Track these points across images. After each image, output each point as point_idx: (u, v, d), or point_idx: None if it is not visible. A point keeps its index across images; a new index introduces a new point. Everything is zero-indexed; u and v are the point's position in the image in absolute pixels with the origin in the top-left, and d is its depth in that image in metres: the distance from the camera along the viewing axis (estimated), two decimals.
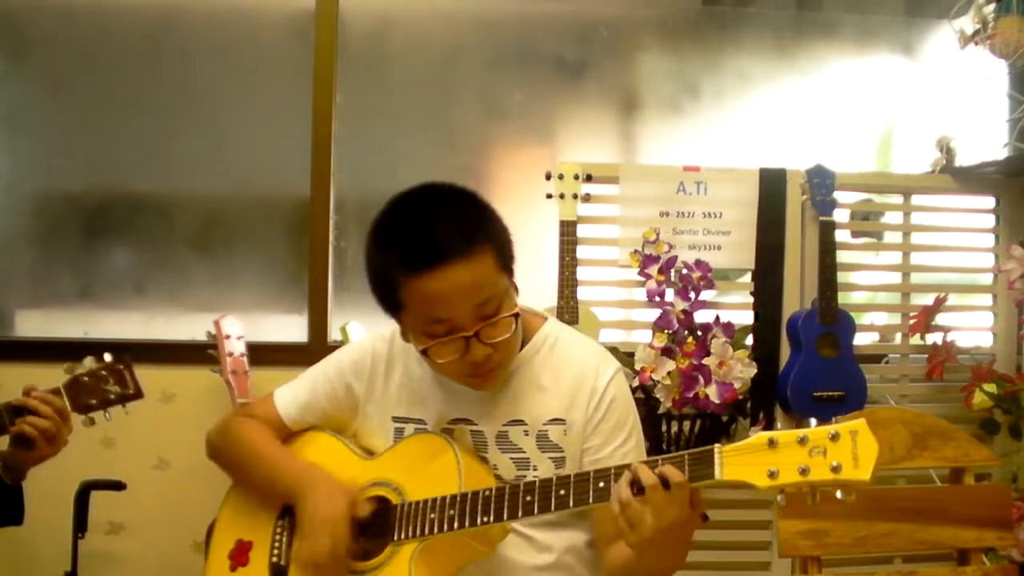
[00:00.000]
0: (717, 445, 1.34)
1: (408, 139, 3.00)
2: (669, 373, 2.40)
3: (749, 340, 2.62)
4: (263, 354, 2.62)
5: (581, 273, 2.57)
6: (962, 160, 2.76)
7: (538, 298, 2.50)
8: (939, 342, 2.69)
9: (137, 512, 2.72)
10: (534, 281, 2.40)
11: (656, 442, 2.48)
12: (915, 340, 2.72)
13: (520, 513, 1.50)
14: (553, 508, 1.47)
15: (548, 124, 3.08)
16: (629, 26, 3.08)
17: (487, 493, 1.52)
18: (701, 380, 2.41)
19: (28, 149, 2.95)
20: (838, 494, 1.28)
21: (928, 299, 2.71)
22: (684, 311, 2.46)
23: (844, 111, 3.09)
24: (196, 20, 2.95)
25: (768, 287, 2.66)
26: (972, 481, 1.95)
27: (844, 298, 2.70)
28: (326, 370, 1.78)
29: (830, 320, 2.57)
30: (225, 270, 2.98)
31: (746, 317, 2.65)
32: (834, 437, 1.27)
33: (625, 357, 2.47)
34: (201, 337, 2.59)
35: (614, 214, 2.66)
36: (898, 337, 2.79)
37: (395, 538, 1.57)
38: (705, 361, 2.42)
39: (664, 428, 2.49)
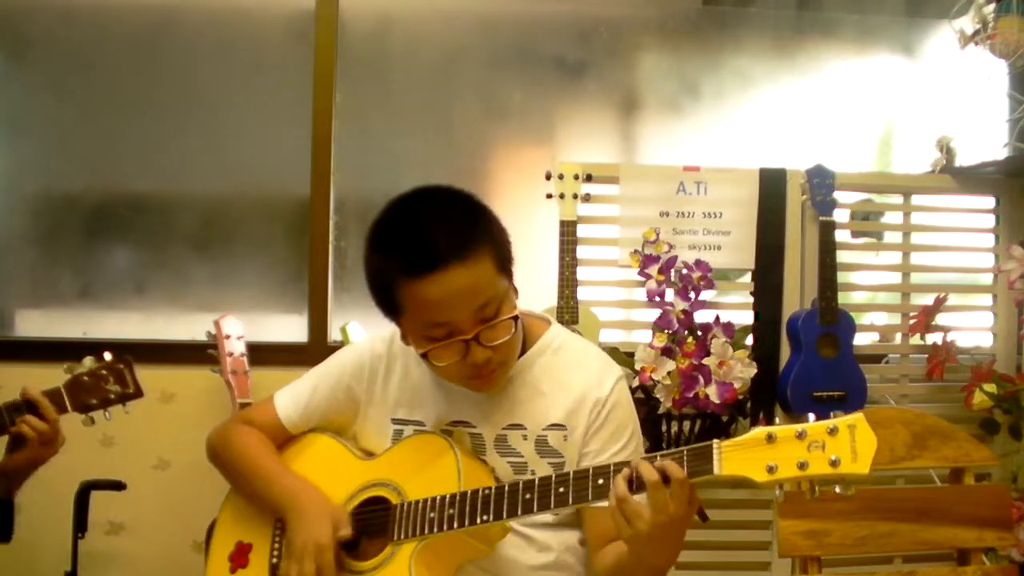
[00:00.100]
0: (716, 440, 1.34)
1: (408, 139, 3.00)
2: (669, 373, 2.40)
3: (749, 340, 2.62)
4: (263, 354, 2.62)
5: (581, 273, 2.57)
6: (962, 160, 2.76)
7: (538, 298, 2.51)
8: (939, 342, 2.69)
9: (137, 512, 2.72)
10: (534, 281, 2.39)
11: (656, 442, 2.48)
12: (915, 340, 2.72)
13: (519, 511, 1.49)
14: (552, 506, 1.47)
15: (548, 124, 3.08)
16: (629, 26, 3.08)
17: (486, 492, 1.52)
18: (701, 380, 2.41)
19: (28, 149, 2.95)
20: (837, 488, 1.28)
21: (928, 299, 2.71)
22: (684, 311, 2.46)
23: (844, 111, 3.09)
24: (196, 20, 2.95)
25: (768, 287, 2.66)
26: (972, 481, 1.95)
27: (844, 298, 2.70)
28: (326, 373, 1.78)
29: (830, 320, 2.57)
30: (225, 270, 2.98)
31: (746, 317, 2.65)
32: (832, 431, 1.27)
33: (625, 357, 2.48)
34: (201, 337, 2.59)
35: (614, 214, 2.66)
36: (898, 337, 2.79)
37: (395, 538, 1.57)
38: (705, 361, 2.42)
39: (664, 428, 2.49)
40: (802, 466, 1.27)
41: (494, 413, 1.65)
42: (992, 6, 2.62)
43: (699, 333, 2.45)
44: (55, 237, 2.93)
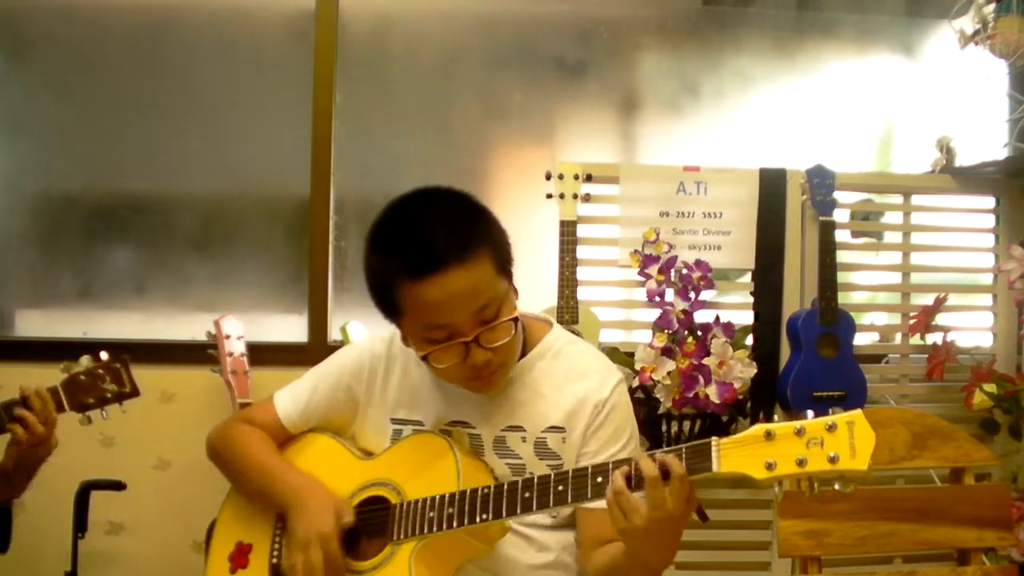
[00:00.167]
0: (714, 438, 1.34)
1: (408, 139, 3.00)
2: (669, 373, 2.40)
3: (749, 340, 2.62)
4: (263, 354, 2.62)
5: (581, 273, 2.57)
6: (962, 160, 2.75)
7: (538, 298, 2.51)
8: (939, 342, 2.69)
9: (137, 512, 2.72)
10: (534, 281, 2.39)
11: (656, 442, 2.48)
12: (915, 340, 2.72)
13: (519, 510, 1.49)
14: (551, 504, 1.47)
15: (548, 124, 3.08)
16: (629, 26, 3.08)
17: (485, 491, 1.52)
18: (701, 380, 2.41)
19: (28, 149, 2.95)
20: (836, 485, 1.28)
21: (928, 299, 2.71)
22: (684, 311, 2.46)
23: (844, 111, 3.09)
24: (196, 20, 2.95)
25: (768, 287, 2.66)
26: (972, 481, 1.95)
27: (844, 298, 2.70)
28: (326, 373, 1.78)
29: (830, 320, 2.56)
30: (225, 270, 2.98)
31: (746, 317, 2.65)
32: (831, 428, 1.27)
33: (625, 357, 2.48)
34: (201, 337, 2.59)
35: (614, 214, 2.66)
36: (898, 337, 2.79)
37: (394, 537, 1.57)
38: (705, 361, 2.42)
39: (664, 428, 2.49)
40: (801, 463, 1.27)
41: (493, 414, 1.65)
42: (992, 6, 2.62)
43: (699, 333, 2.45)
44: (55, 237, 2.93)
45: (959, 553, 1.93)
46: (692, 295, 2.50)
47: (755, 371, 2.47)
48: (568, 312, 2.52)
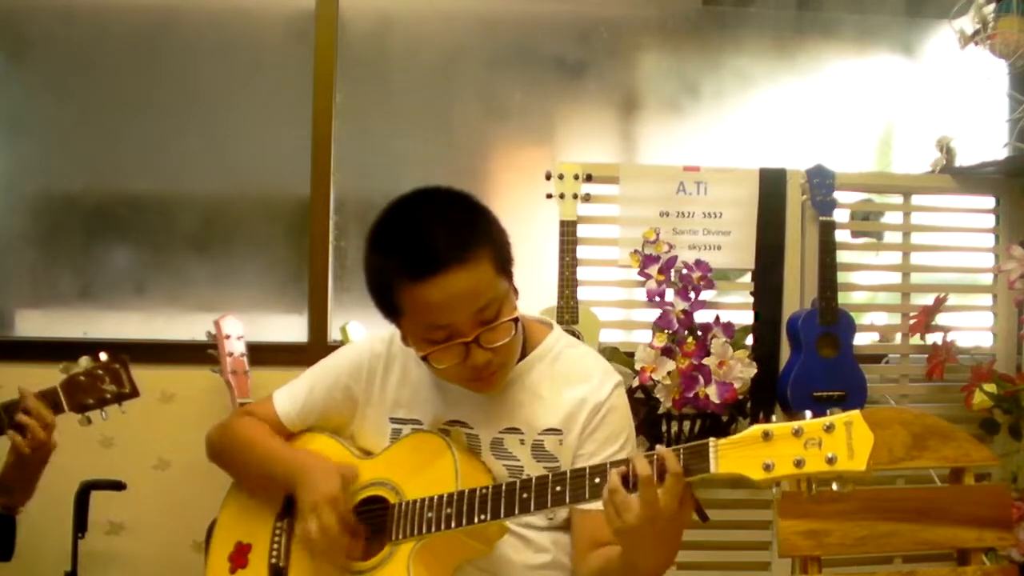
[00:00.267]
0: (712, 439, 1.34)
1: (408, 139, 3.00)
2: (669, 373, 2.40)
3: (749, 340, 2.62)
4: (263, 354, 2.62)
5: (581, 273, 2.57)
6: (962, 160, 2.76)
7: (538, 298, 2.51)
8: (939, 342, 2.69)
9: (137, 512, 2.72)
10: (534, 281, 2.39)
11: (656, 442, 2.48)
12: (915, 340, 2.72)
13: (517, 511, 1.49)
14: (550, 504, 1.47)
15: (548, 124, 3.07)
16: (629, 26, 3.08)
17: (484, 491, 1.52)
18: (701, 380, 2.41)
19: (28, 149, 2.95)
20: (834, 486, 1.28)
21: (928, 299, 2.71)
22: (684, 311, 2.46)
23: (844, 111, 3.09)
24: (196, 20, 2.95)
25: (768, 287, 2.66)
26: (972, 481, 1.95)
27: (844, 298, 2.70)
28: (324, 372, 1.78)
29: (830, 320, 2.56)
30: (225, 270, 2.98)
31: (746, 317, 2.65)
32: (829, 428, 1.27)
33: (625, 357, 2.48)
34: (201, 337, 2.59)
35: (614, 214, 2.66)
36: (898, 337, 2.79)
37: (393, 537, 1.57)
38: (705, 361, 2.42)
39: (664, 428, 2.49)
40: (798, 464, 1.27)
41: (492, 416, 1.65)
42: (992, 6, 2.62)
43: (699, 333, 2.45)
44: (55, 237, 2.93)
45: (959, 553, 1.93)
46: (692, 295, 2.50)
47: (755, 371, 2.47)
48: (568, 312, 2.52)
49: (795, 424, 1.29)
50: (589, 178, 2.61)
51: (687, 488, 1.35)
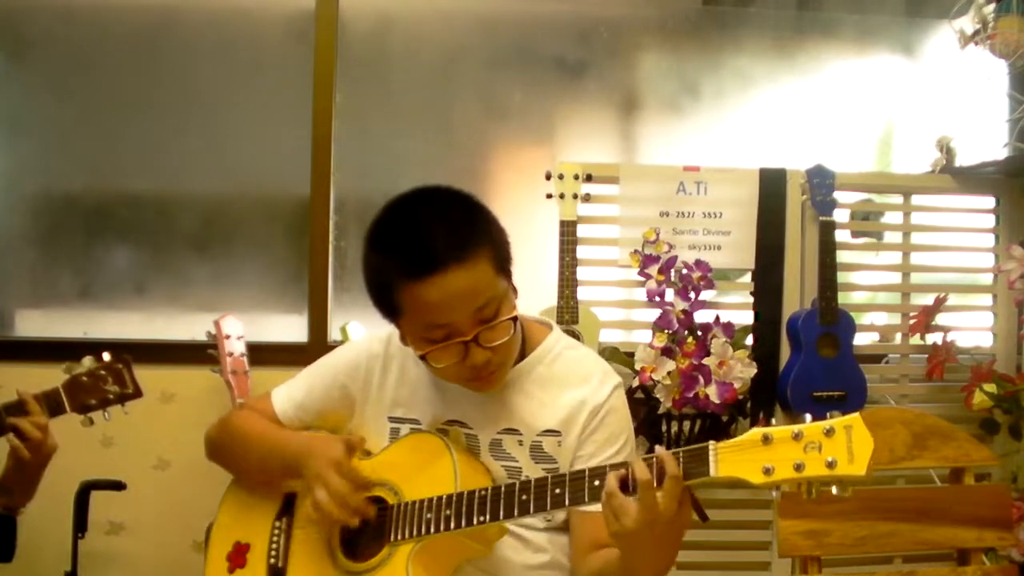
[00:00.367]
0: (712, 442, 1.33)
1: (408, 139, 3.00)
2: (669, 373, 2.40)
3: (749, 340, 2.62)
4: (263, 354, 2.62)
5: (581, 273, 2.57)
6: (962, 160, 2.76)
7: (538, 298, 2.51)
8: (939, 342, 2.69)
9: (137, 512, 2.72)
10: (534, 281, 2.39)
11: (656, 442, 2.48)
12: (915, 340, 2.72)
13: (516, 512, 1.49)
14: (549, 507, 1.47)
15: (548, 124, 3.07)
16: (629, 26, 3.08)
17: (483, 493, 1.52)
18: (701, 380, 2.41)
19: (28, 149, 2.95)
20: (834, 490, 1.28)
21: (928, 299, 2.71)
22: (684, 311, 2.46)
23: (844, 111, 3.09)
24: (196, 20, 2.95)
25: (768, 287, 2.66)
26: (972, 481, 1.95)
27: (844, 298, 2.70)
28: (322, 371, 1.79)
29: (830, 320, 2.57)
30: (225, 270, 2.98)
31: (746, 317, 2.65)
32: (829, 432, 1.26)
33: (625, 357, 2.48)
34: (201, 337, 2.59)
35: (614, 214, 2.66)
36: (898, 337, 2.79)
37: (392, 539, 1.57)
38: (705, 361, 2.42)
39: (664, 428, 2.49)
40: (798, 468, 1.26)
41: (491, 417, 1.65)
42: (992, 6, 2.62)
43: (699, 333, 2.45)
44: (55, 237, 2.93)
45: (959, 553, 1.93)
46: (692, 295, 2.50)
47: (755, 371, 2.47)
48: (568, 312, 2.52)
49: (795, 428, 1.28)
50: (589, 178, 2.61)
51: (686, 491, 1.35)
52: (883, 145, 3.15)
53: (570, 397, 1.65)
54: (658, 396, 2.43)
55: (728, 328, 2.47)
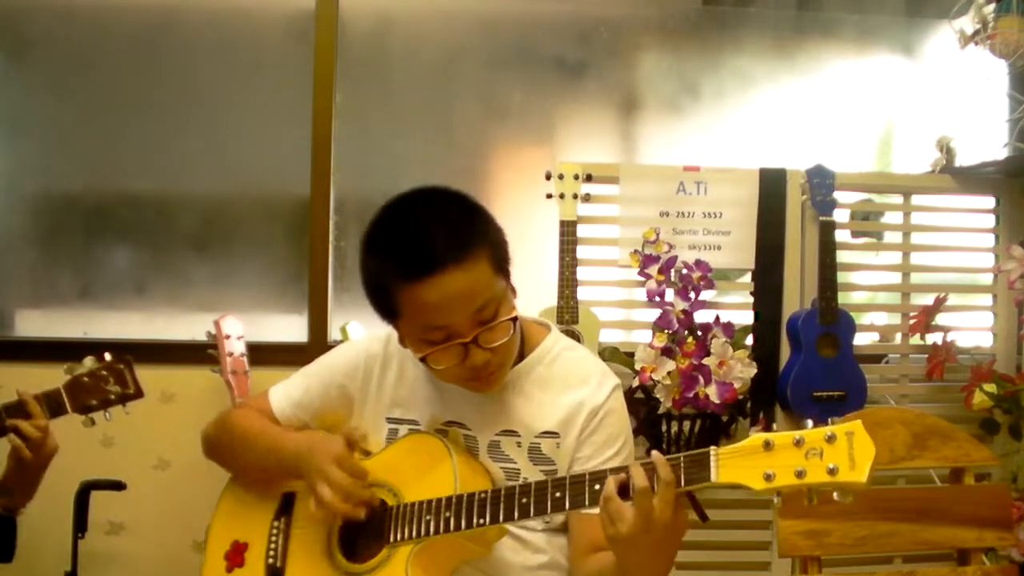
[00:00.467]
0: (713, 447, 1.33)
1: (408, 139, 3.00)
2: (669, 373, 2.40)
3: (749, 340, 2.62)
4: (263, 354, 2.62)
5: (581, 273, 2.57)
6: (962, 160, 2.76)
7: (538, 298, 2.52)
8: (939, 342, 2.69)
9: (137, 512, 2.72)
10: (534, 281, 2.39)
11: (656, 442, 2.48)
12: (915, 340, 2.72)
13: (516, 515, 1.49)
14: (549, 510, 1.46)
15: (548, 124, 3.07)
16: (629, 26, 3.08)
17: (482, 495, 1.52)
18: (701, 380, 2.41)
19: (28, 149, 2.95)
20: (835, 496, 1.28)
21: (928, 299, 2.71)
22: (684, 311, 2.46)
23: (844, 111, 3.09)
24: (196, 20, 2.95)
25: (768, 287, 2.66)
26: (972, 481, 1.95)
27: (844, 298, 2.70)
28: (320, 370, 1.79)
29: (830, 320, 2.57)
30: (225, 270, 2.98)
31: (746, 317, 2.65)
32: (830, 439, 1.26)
33: (625, 357, 2.48)
34: (201, 337, 2.59)
35: (614, 214, 2.66)
36: (898, 337, 2.79)
37: (391, 540, 1.57)
38: (705, 361, 2.42)
39: (664, 428, 2.49)
40: (800, 474, 1.26)
41: (489, 418, 1.65)
42: (992, 6, 2.62)
43: (699, 333, 2.45)
44: (55, 237, 2.93)
45: (959, 553, 1.93)
46: (692, 295, 2.50)
47: (755, 371, 2.47)
48: (568, 312, 2.52)
49: (796, 434, 1.28)
50: (589, 178, 2.61)
51: (681, 498, 1.35)
52: (883, 145, 3.15)
53: (568, 398, 1.64)
54: (658, 396, 2.43)
55: (728, 328, 2.47)
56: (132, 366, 2.02)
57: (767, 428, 2.58)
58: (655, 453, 1.36)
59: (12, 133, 2.95)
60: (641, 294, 2.56)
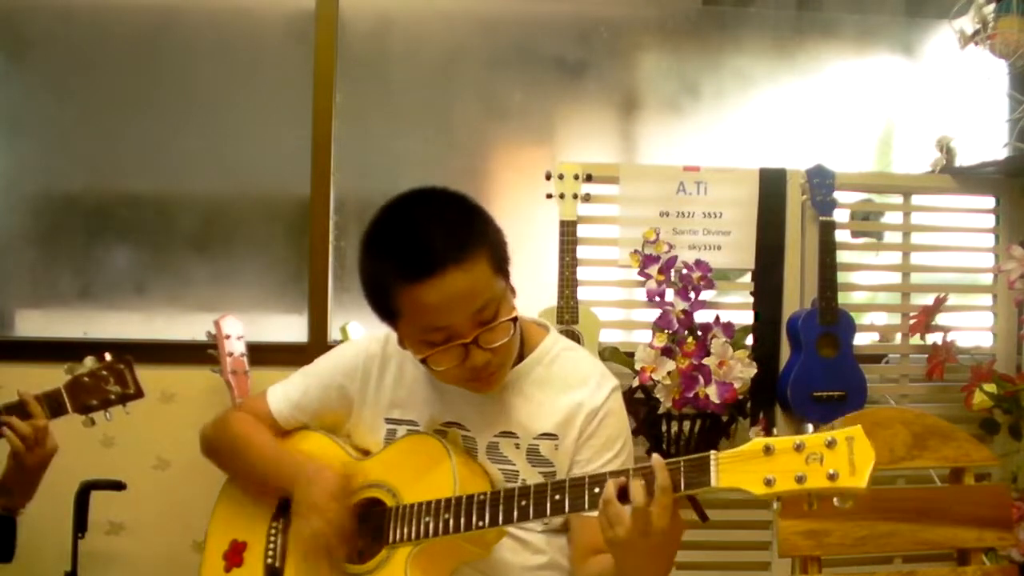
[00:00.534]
0: (713, 452, 1.33)
1: (408, 139, 3.00)
2: (669, 373, 2.40)
3: (749, 340, 2.62)
4: (263, 354, 2.62)
5: (581, 273, 2.57)
6: (962, 160, 2.75)
7: (538, 298, 2.51)
8: (939, 342, 2.69)
9: (137, 512, 2.72)
10: (534, 281, 2.39)
11: (656, 442, 2.48)
12: (915, 340, 2.72)
13: (516, 518, 1.48)
14: (549, 513, 1.46)
15: (548, 124, 3.07)
16: (629, 26, 3.08)
17: (482, 497, 1.51)
18: (701, 380, 2.41)
19: (28, 149, 2.95)
20: (835, 501, 1.28)
21: (928, 299, 2.71)
22: (684, 311, 2.46)
23: (844, 111, 3.09)
24: (196, 20, 2.95)
25: (768, 287, 2.66)
26: (972, 481, 1.95)
27: (844, 298, 2.70)
28: (318, 370, 1.78)
29: (830, 320, 2.57)
30: (225, 270, 2.97)
31: (746, 317, 2.65)
32: (830, 444, 1.26)
33: (625, 357, 2.48)
34: (201, 337, 2.59)
35: (614, 214, 2.66)
36: (898, 337, 2.79)
37: (390, 541, 1.57)
38: (705, 361, 2.42)
39: (664, 428, 2.49)
40: (800, 480, 1.26)
41: (488, 419, 1.65)
42: (992, 6, 2.62)
43: (699, 333, 2.45)
44: (55, 237, 2.93)
45: (959, 553, 1.93)
46: (692, 295, 2.50)
47: (755, 371, 2.47)
48: (568, 312, 2.52)
49: (797, 439, 1.28)
50: (589, 178, 2.61)
51: (678, 502, 1.35)
52: (883, 145, 3.15)
53: (567, 400, 1.64)
54: (658, 396, 2.43)
55: (728, 328, 2.47)
56: (132, 366, 2.02)
57: (767, 428, 2.58)
58: (655, 457, 1.36)
59: (12, 133, 2.95)
60: (641, 294, 2.56)
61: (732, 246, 2.66)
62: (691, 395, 2.40)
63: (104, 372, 1.99)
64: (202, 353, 2.56)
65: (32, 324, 2.96)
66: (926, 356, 2.72)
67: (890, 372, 2.77)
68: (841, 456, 1.25)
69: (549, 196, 2.58)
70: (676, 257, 2.55)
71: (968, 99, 2.85)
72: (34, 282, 2.96)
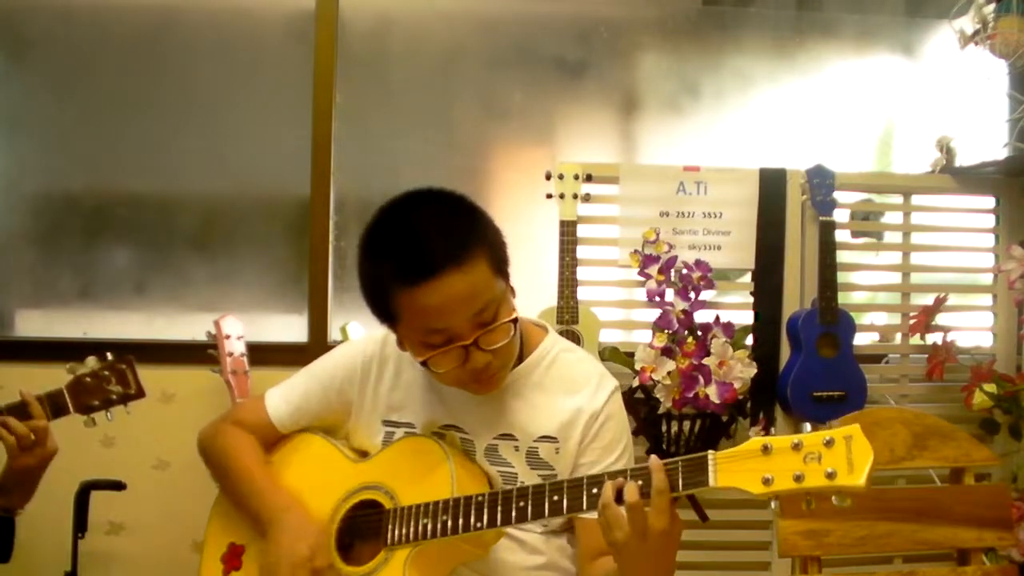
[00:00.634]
0: (711, 452, 1.33)
1: (408, 139, 3.00)
2: (669, 373, 2.40)
3: (749, 340, 2.62)
4: (263, 354, 2.62)
5: (581, 273, 2.57)
6: (962, 160, 2.75)
7: (538, 298, 2.52)
8: (939, 342, 2.69)
9: (137, 512, 2.72)
10: (534, 281, 2.40)
11: (656, 442, 2.48)
12: (915, 340, 2.72)
13: (514, 519, 1.48)
14: (547, 514, 1.46)
15: (548, 124, 3.07)
16: (629, 26, 3.08)
17: (480, 499, 1.51)
18: (701, 380, 2.41)
19: (28, 149, 2.95)
20: (834, 500, 1.27)
21: (928, 299, 2.71)
22: (684, 311, 2.46)
23: (844, 111, 3.09)
24: (196, 20, 2.95)
25: (768, 287, 2.66)
26: (972, 481, 1.95)
27: (844, 298, 2.70)
28: (317, 373, 1.78)
29: (830, 320, 2.57)
30: (225, 270, 2.98)
31: (746, 317, 2.65)
32: (828, 443, 1.26)
33: (625, 357, 2.48)
34: (201, 337, 2.59)
35: (614, 214, 2.66)
36: (898, 337, 2.79)
37: (388, 543, 1.56)
38: (705, 361, 2.42)
39: (664, 428, 2.49)
40: (798, 478, 1.26)
41: (487, 421, 1.64)
42: (992, 6, 2.62)
43: (699, 333, 2.45)
44: (55, 237, 2.93)
45: (959, 553, 1.93)
46: (692, 295, 2.50)
47: (755, 371, 2.47)
48: (568, 312, 2.52)
49: (795, 438, 1.28)
50: (589, 178, 2.61)
51: (675, 504, 1.34)
52: (883, 145, 3.15)
53: (567, 403, 1.64)
54: (658, 396, 2.43)
55: (728, 328, 2.47)
56: (134, 366, 2.02)
57: (767, 428, 2.58)
58: (653, 458, 1.36)
59: (12, 133, 2.95)
60: (641, 294, 2.56)
61: (732, 246, 2.66)
62: (691, 395, 2.40)
63: (106, 372, 1.99)
64: (202, 353, 2.56)
65: (32, 324, 2.96)
66: (926, 356, 2.72)
67: (890, 372, 2.77)
68: (839, 455, 1.25)
69: (549, 196, 2.58)
70: (676, 257, 2.55)
71: (968, 99, 2.85)
72: (34, 282, 2.96)
